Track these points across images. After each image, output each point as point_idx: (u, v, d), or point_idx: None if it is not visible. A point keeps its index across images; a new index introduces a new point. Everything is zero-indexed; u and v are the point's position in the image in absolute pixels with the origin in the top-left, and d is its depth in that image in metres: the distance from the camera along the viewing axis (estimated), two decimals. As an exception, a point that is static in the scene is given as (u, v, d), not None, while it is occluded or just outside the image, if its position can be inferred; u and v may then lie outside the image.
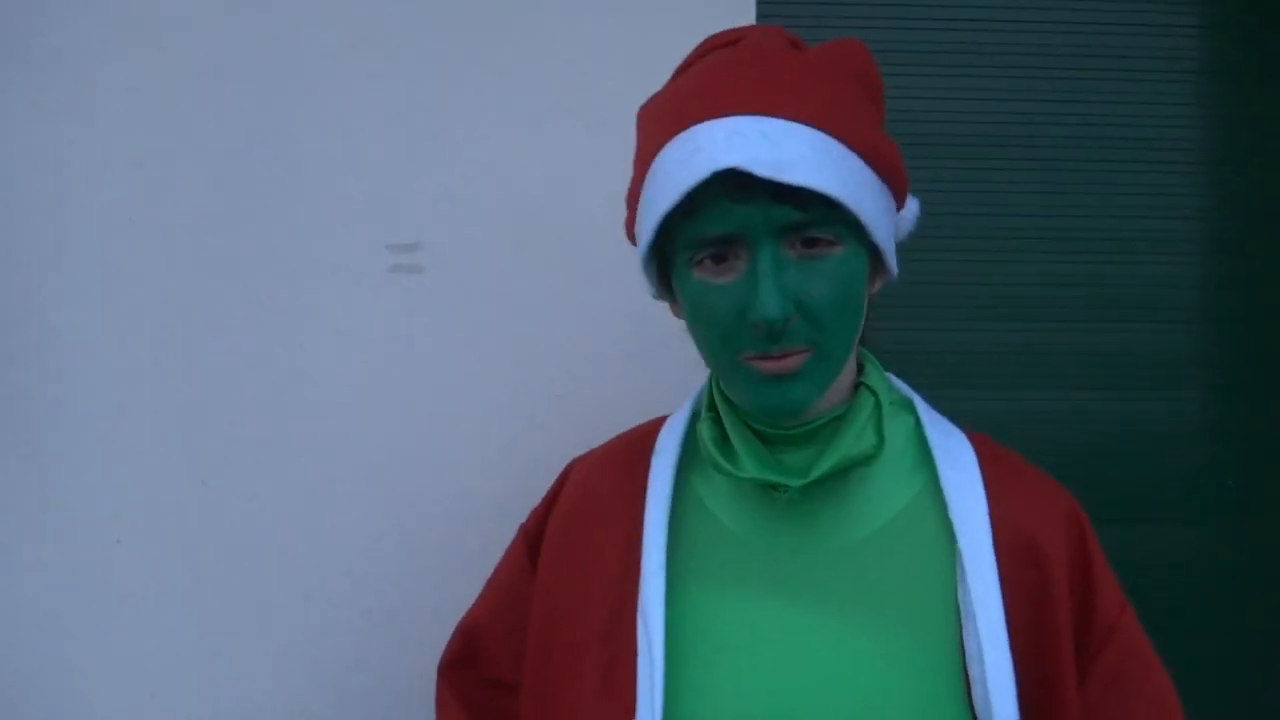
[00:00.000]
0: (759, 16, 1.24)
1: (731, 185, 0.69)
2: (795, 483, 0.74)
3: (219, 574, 1.18)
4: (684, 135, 0.72)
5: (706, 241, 0.71)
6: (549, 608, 0.84)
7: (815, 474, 0.74)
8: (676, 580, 0.77)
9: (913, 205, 0.83)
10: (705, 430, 0.78)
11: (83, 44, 1.18)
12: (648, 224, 0.74)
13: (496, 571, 0.93)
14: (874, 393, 0.79)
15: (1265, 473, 1.35)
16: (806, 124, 0.71)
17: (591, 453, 0.92)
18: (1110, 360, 1.34)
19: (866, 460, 0.75)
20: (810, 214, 0.69)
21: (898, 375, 0.86)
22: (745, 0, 1.23)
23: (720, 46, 0.78)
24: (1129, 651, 0.77)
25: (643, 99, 0.81)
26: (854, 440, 0.75)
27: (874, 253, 0.76)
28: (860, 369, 0.82)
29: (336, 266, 1.20)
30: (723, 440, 0.78)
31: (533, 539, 0.89)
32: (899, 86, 1.34)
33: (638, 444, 0.87)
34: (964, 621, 0.73)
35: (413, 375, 1.20)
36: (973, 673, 0.72)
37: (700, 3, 1.22)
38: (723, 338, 0.72)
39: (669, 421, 0.87)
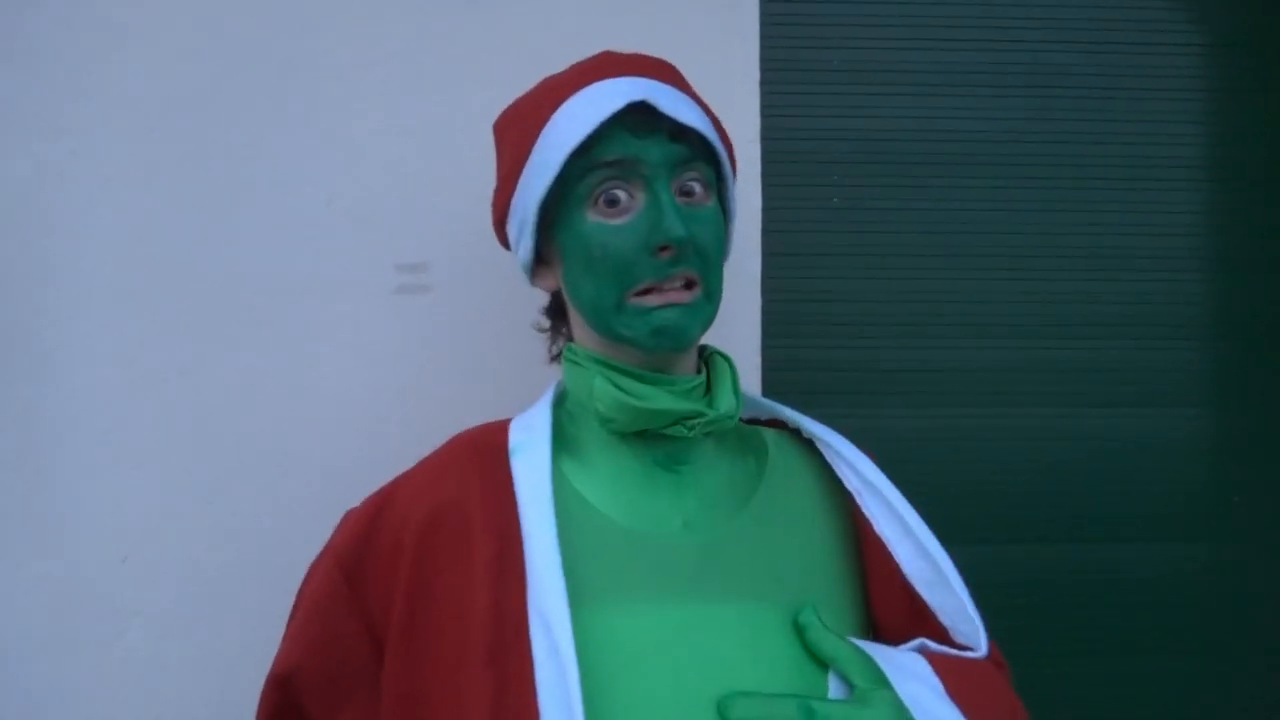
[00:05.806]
0: (761, 39, 1.26)
1: (632, 125, 0.76)
2: (711, 413, 0.79)
3: (224, 592, 1.19)
4: (581, 94, 0.79)
5: (606, 164, 0.77)
6: (414, 636, 0.76)
7: (722, 407, 0.80)
8: (567, 583, 0.73)
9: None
10: (599, 385, 0.80)
11: (85, 60, 1.20)
12: (548, 171, 0.78)
13: (306, 607, 0.82)
14: (726, 358, 0.86)
15: (1270, 488, 1.37)
16: (685, 94, 0.82)
17: (409, 473, 0.85)
18: (1113, 376, 1.36)
19: (731, 418, 0.81)
20: (697, 155, 0.79)
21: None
22: (748, 22, 1.26)
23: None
24: None
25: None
26: (728, 396, 0.82)
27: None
28: (702, 349, 0.89)
29: (343, 286, 1.21)
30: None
31: (349, 564, 0.80)
32: (906, 106, 1.36)
33: (478, 446, 0.83)
34: (862, 519, 0.83)
35: (420, 394, 1.22)
36: (899, 553, 0.81)
37: (704, 27, 1.24)
38: (616, 273, 0.77)
39: (521, 421, 0.84)
